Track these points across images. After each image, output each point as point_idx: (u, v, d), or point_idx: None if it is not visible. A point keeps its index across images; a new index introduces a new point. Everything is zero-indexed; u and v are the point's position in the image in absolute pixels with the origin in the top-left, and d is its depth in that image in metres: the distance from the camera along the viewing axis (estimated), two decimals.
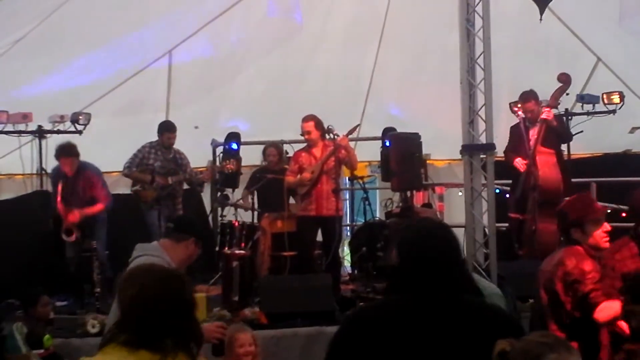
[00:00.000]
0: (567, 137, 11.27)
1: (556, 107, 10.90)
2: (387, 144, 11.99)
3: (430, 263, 3.63)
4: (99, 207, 10.95)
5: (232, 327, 7.12)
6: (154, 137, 11.59)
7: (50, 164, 12.40)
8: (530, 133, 10.72)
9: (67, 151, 10.85)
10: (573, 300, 5.64)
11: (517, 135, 10.85)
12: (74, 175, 10.85)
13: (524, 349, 3.16)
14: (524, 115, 10.94)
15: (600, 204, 6.33)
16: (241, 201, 12.34)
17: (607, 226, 5.88)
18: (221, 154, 12.95)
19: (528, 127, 10.77)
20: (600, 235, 5.84)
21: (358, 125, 11.81)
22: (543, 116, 10.44)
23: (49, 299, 8.80)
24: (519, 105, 11.24)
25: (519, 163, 10.67)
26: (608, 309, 5.54)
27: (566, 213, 5.97)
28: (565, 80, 10.52)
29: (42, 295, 8.66)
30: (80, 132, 12.24)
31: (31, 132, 12.23)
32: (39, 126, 12.22)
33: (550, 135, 10.57)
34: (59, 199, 10.79)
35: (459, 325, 3.50)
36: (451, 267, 3.65)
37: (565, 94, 10.72)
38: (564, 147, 11.51)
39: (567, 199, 6.68)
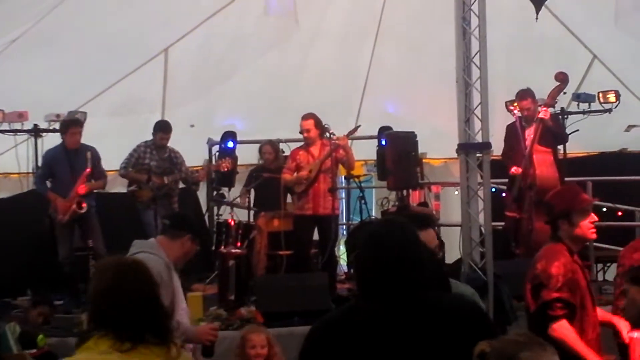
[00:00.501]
0: (563, 139, 11.26)
1: (553, 106, 10.90)
2: (383, 142, 12.00)
3: (383, 264, 3.56)
4: (101, 183, 11.04)
5: (247, 327, 7.10)
6: (150, 136, 11.57)
7: None
8: (527, 132, 10.71)
9: (76, 121, 10.88)
10: (535, 305, 5.65)
11: (513, 134, 10.84)
12: (76, 150, 10.77)
13: (499, 348, 3.16)
14: (520, 114, 10.94)
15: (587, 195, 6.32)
16: (238, 199, 12.33)
17: (594, 217, 5.84)
18: (217, 153, 12.93)
19: (524, 126, 10.76)
20: (588, 225, 5.80)
21: (359, 126, 11.81)
22: (540, 115, 10.43)
23: (47, 308, 8.78)
24: (515, 104, 11.24)
25: (516, 170, 10.67)
26: (564, 330, 5.47)
27: (553, 205, 5.93)
28: (562, 79, 10.52)
29: (41, 303, 8.66)
30: None
31: (27, 131, 12.21)
32: (35, 125, 12.20)
33: (547, 134, 10.57)
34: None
35: (423, 324, 3.46)
36: (409, 265, 3.56)
37: (562, 93, 10.73)
38: (560, 145, 11.50)
39: (553, 190, 6.64)
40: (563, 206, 5.83)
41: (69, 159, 10.76)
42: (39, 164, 11.80)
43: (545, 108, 10.47)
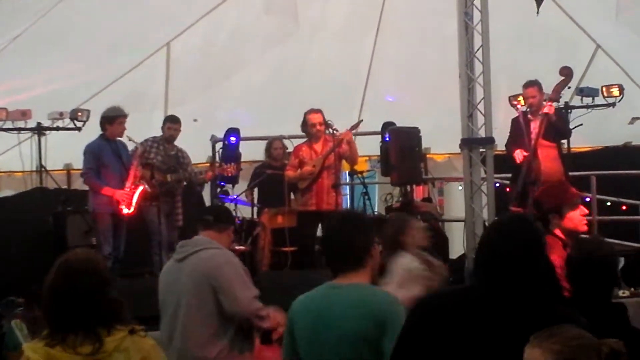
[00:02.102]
0: (566, 134, 11.23)
1: (558, 101, 10.88)
2: (387, 138, 11.99)
3: (507, 257, 3.59)
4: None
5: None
6: (153, 132, 11.55)
7: (50, 160, 12.41)
8: (532, 126, 10.69)
9: (122, 111, 10.65)
10: None
11: (517, 128, 10.82)
12: (116, 141, 10.65)
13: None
14: (524, 109, 10.93)
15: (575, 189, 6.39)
16: (243, 196, 12.33)
17: (584, 209, 5.96)
18: (221, 150, 12.92)
19: (529, 119, 10.74)
20: (579, 217, 5.90)
21: (361, 121, 11.80)
22: (545, 110, 10.40)
23: None
24: (519, 99, 11.22)
25: (518, 154, 10.64)
26: None
27: (543, 201, 6.03)
28: (567, 73, 10.49)
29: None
30: (79, 129, 12.23)
31: (30, 129, 12.22)
32: (38, 123, 12.21)
33: (551, 129, 10.55)
34: (135, 163, 10.64)
35: (522, 328, 3.33)
36: (527, 267, 3.58)
37: (567, 87, 10.71)
38: (563, 140, 11.49)
39: (541, 188, 6.72)
40: (554, 201, 5.93)
41: (114, 150, 10.58)
42: (43, 162, 11.79)
43: (549, 103, 10.44)
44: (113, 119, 10.53)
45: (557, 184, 6.50)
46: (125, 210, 10.36)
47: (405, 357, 3.63)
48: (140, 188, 10.47)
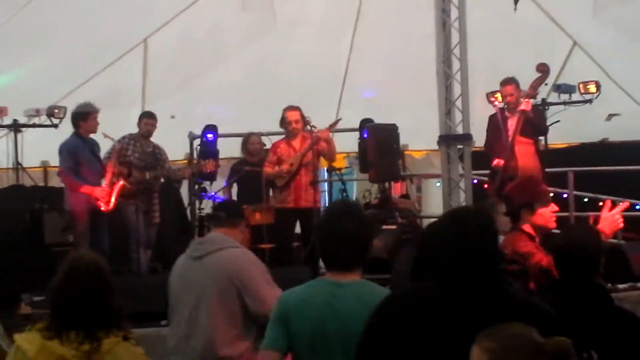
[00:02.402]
0: (543, 131, 11.26)
1: (535, 97, 10.90)
2: (365, 135, 11.98)
3: (466, 247, 3.59)
4: None
5: None
6: (131, 129, 11.51)
7: (27, 157, 12.34)
8: (509, 123, 10.71)
9: (93, 107, 10.59)
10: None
11: (495, 125, 10.84)
12: (90, 138, 10.61)
13: None
14: (501, 105, 10.95)
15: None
16: (220, 193, 12.31)
17: (554, 206, 6.07)
18: (198, 147, 12.90)
19: (507, 116, 10.77)
20: (549, 214, 6.01)
21: (339, 119, 11.81)
22: (522, 107, 10.42)
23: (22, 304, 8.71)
24: (496, 95, 11.25)
25: (498, 164, 10.68)
26: None
27: (514, 196, 6.12)
28: (544, 70, 10.52)
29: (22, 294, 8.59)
30: (56, 126, 12.19)
31: (6, 126, 12.17)
32: (14, 120, 12.15)
33: (528, 126, 10.58)
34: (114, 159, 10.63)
35: (495, 313, 3.42)
36: (485, 257, 3.60)
37: (544, 84, 10.73)
38: (541, 137, 11.52)
39: (512, 184, 6.76)
40: (526, 197, 6.02)
41: (89, 147, 10.56)
42: (19, 159, 11.73)
43: (527, 99, 10.46)
44: (86, 115, 10.46)
45: (528, 180, 6.56)
46: (103, 207, 10.33)
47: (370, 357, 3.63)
48: (120, 184, 10.44)
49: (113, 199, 10.40)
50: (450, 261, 3.62)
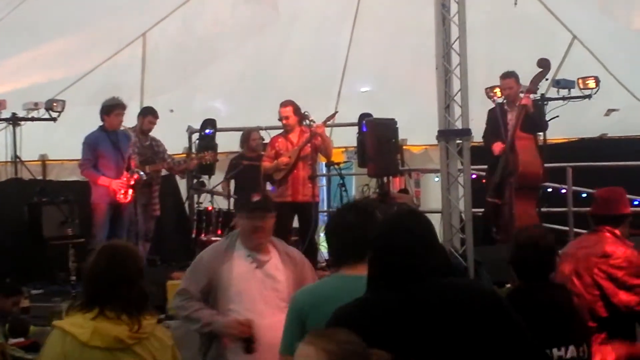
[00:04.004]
0: (543, 127, 11.25)
1: (535, 93, 10.89)
2: (364, 129, 11.97)
3: (400, 251, 3.56)
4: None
5: None
6: (129, 122, 11.51)
7: (25, 151, 12.32)
8: (508, 117, 10.71)
9: (120, 103, 10.82)
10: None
11: (494, 119, 10.84)
12: (116, 132, 10.76)
13: None
14: (500, 100, 10.95)
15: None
16: (219, 187, 12.31)
17: None
18: (197, 141, 12.91)
19: (506, 110, 10.76)
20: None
21: (336, 112, 11.80)
22: (522, 102, 10.42)
23: (21, 297, 8.71)
24: (495, 91, 11.25)
25: (497, 147, 10.65)
26: None
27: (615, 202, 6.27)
28: (545, 65, 10.51)
29: (20, 292, 8.59)
30: (54, 120, 12.18)
31: (5, 120, 12.14)
32: (13, 114, 12.13)
33: (528, 121, 10.57)
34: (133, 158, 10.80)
35: (440, 310, 3.45)
36: (422, 251, 3.57)
37: (544, 79, 10.73)
38: (540, 132, 11.51)
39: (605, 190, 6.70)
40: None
41: (112, 141, 10.70)
42: (18, 152, 11.71)
43: (527, 94, 10.45)
44: (110, 110, 10.72)
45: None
46: (122, 199, 10.56)
47: None
48: (136, 176, 10.55)
49: (130, 191, 10.56)
50: (385, 266, 3.62)
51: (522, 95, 10.53)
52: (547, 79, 10.87)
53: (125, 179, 10.56)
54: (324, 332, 3.33)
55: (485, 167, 11.08)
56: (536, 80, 10.49)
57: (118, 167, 10.62)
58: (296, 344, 4.05)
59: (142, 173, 10.66)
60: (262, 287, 5.64)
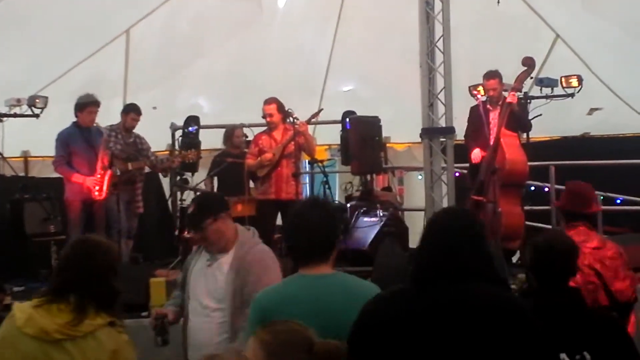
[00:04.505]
0: (527, 126, 11.28)
1: (520, 91, 10.91)
2: (347, 127, 11.98)
3: (442, 251, 3.60)
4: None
5: None
6: (112, 120, 11.48)
7: (7, 147, 12.26)
8: (491, 116, 10.72)
9: (94, 101, 10.77)
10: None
11: (476, 117, 10.84)
12: (89, 128, 10.74)
13: None
14: (484, 98, 10.96)
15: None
16: (202, 184, 12.29)
17: None
18: (180, 138, 12.88)
19: (488, 109, 10.77)
20: None
21: (320, 110, 11.79)
22: (508, 100, 10.44)
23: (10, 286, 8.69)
24: (479, 89, 11.26)
25: (476, 156, 10.66)
26: None
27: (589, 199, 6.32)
28: (530, 64, 10.53)
29: (3, 290, 8.56)
30: (37, 116, 12.12)
31: None
32: None
33: (512, 119, 10.60)
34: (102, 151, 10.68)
35: (467, 316, 3.46)
36: (464, 256, 3.59)
37: (529, 77, 10.75)
38: (523, 132, 11.54)
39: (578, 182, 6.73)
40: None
41: (85, 137, 10.69)
42: (0, 149, 11.66)
43: (512, 92, 10.47)
44: (83, 107, 10.71)
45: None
46: (97, 196, 10.48)
47: None
48: (109, 172, 10.51)
49: (105, 188, 10.49)
50: (429, 262, 3.64)
51: (505, 94, 10.55)
52: (531, 77, 10.90)
53: (99, 175, 10.52)
54: (270, 323, 3.47)
55: (468, 165, 11.08)
56: (521, 78, 10.51)
57: (91, 163, 10.59)
58: None
59: (116, 170, 10.63)
60: (204, 285, 5.64)
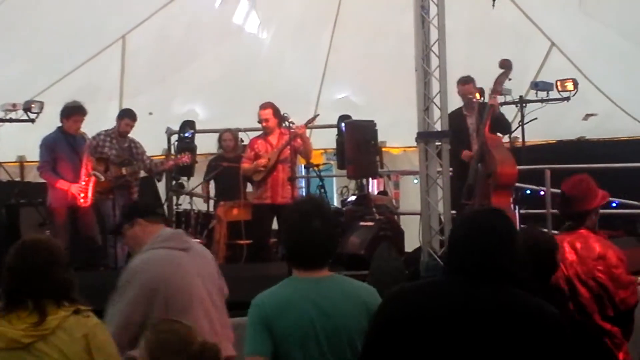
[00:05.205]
0: (509, 128, 11.34)
1: (500, 93, 10.95)
2: (343, 131, 12.00)
3: (478, 248, 3.56)
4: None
5: None
6: (108, 125, 11.48)
7: (3, 152, 12.26)
8: (469, 121, 10.82)
9: (80, 109, 10.69)
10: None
11: (456, 124, 10.84)
12: (74, 135, 10.70)
13: None
14: (480, 100, 11.01)
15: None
16: (198, 189, 12.30)
17: None
18: (176, 142, 12.88)
19: (465, 115, 10.85)
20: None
21: (317, 115, 11.80)
22: (490, 102, 10.50)
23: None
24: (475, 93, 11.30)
25: (466, 155, 10.70)
26: None
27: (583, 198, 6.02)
28: (507, 65, 10.59)
29: None
30: (32, 121, 12.10)
31: None
32: None
33: (494, 121, 10.70)
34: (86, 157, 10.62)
35: (497, 319, 3.44)
36: (501, 257, 3.55)
37: (507, 79, 10.79)
38: (518, 134, 11.57)
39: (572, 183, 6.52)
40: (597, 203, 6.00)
41: (70, 143, 10.67)
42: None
43: (494, 95, 10.54)
44: (69, 115, 10.67)
45: (587, 181, 6.41)
46: (82, 203, 10.45)
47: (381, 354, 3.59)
48: (93, 179, 10.48)
49: (90, 195, 10.44)
50: (463, 257, 3.60)
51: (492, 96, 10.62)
52: (510, 79, 10.91)
53: (83, 182, 10.50)
54: (158, 323, 3.74)
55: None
56: (500, 80, 10.56)
57: (75, 170, 10.56)
58: (259, 347, 4.07)
59: (99, 176, 10.62)
60: None
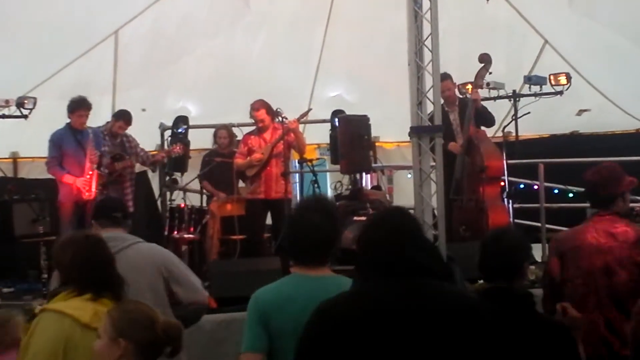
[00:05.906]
0: (492, 121, 11.39)
1: (482, 87, 10.98)
2: (336, 126, 11.99)
3: (385, 247, 3.54)
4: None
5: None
6: (101, 120, 11.48)
7: None
8: (451, 117, 10.87)
9: (85, 103, 10.85)
10: None
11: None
12: (81, 130, 10.80)
13: None
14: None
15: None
16: (191, 184, 12.30)
17: None
18: (169, 138, 12.88)
19: (447, 111, 10.89)
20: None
21: (309, 110, 11.81)
22: (473, 97, 10.60)
23: None
24: (467, 87, 11.31)
25: (454, 147, 10.76)
26: None
27: (606, 182, 5.96)
28: (486, 60, 10.68)
29: None
30: (25, 117, 12.07)
31: None
32: None
33: (477, 116, 10.76)
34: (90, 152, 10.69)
35: (423, 313, 3.41)
36: (414, 252, 3.53)
37: (488, 72, 10.84)
38: (512, 128, 11.58)
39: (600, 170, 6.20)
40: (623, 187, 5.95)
41: (77, 139, 10.77)
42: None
43: (475, 89, 10.61)
44: (74, 109, 10.82)
45: (614, 169, 6.26)
46: (86, 196, 10.54)
47: None
48: (96, 173, 10.58)
49: (93, 188, 10.56)
50: (377, 259, 3.57)
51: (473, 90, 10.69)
52: (490, 73, 10.94)
53: (88, 176, 10.59)
54: (122, 303, 4.04)
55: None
56: (481, 74, 10.67)
57: (81, 164, 10.67)
58: (254, 343, 4.12)
59: (104, 170, 10.66)
60: None
